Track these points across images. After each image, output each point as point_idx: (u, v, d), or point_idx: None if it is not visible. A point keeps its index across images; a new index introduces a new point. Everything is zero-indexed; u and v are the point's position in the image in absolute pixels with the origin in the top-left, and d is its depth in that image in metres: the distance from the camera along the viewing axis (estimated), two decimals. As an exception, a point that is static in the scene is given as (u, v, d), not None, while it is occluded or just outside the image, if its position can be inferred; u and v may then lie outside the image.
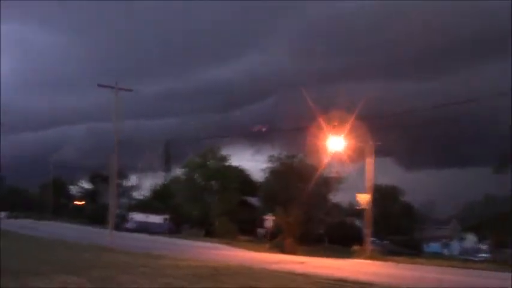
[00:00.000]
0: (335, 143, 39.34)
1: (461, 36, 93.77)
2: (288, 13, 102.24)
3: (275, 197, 48.41)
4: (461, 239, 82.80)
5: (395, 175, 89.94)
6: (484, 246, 65.69)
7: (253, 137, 66.40)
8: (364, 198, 41.22)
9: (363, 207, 41.13)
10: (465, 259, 52.34)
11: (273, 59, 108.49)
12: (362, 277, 16.99)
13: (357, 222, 58.08)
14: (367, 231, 40.71)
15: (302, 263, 23.72)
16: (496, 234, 53.89)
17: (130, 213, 65.35)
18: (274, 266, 19.35)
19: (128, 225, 59.81)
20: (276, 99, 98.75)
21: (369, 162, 40.60)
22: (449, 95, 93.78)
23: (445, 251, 74.57)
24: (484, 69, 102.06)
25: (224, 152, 62.39)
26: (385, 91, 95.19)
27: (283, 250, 40.25)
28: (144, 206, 68.46)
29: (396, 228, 60.93)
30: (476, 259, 52.58)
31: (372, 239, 43.49)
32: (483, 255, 58.25)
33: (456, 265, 34.49)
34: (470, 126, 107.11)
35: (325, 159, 44.85)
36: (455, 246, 78.92)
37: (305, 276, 15.77)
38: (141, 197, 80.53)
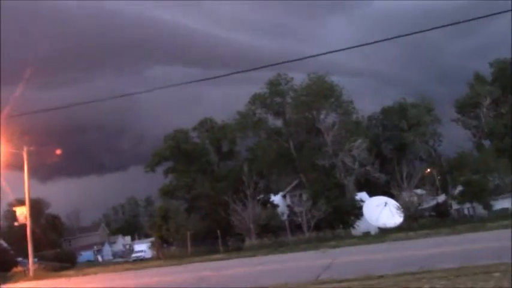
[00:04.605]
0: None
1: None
2: None
3: None
4: (112, 242, 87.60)
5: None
6: (140, 246, 65.34)
7: None
8: (22, 212, 36.29)
9: (22, 222, 37.68)
10: (126, 261, 57.07)
11: None
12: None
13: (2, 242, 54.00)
14: (29, 248, 35.86)
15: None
16: (158, 232, 49.63)
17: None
18: None
19: None
20: None
21: (26, 170, 36.67)
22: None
23: (99, 257, 76.15)
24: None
25: None
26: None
27: None
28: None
29: (43, 243, 53.33)
30: (131, 260, 57.95)
31: (19, 258, 42.07)
32: (138, 254, 60.59)
33: (130, 268, 33.98)
34: (101, 135, 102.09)
35: None
36: (107, 251, 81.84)
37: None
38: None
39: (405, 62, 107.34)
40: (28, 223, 36.54)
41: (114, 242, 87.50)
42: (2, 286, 28.20)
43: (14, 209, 38.75)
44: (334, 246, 28.14)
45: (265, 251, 32.36)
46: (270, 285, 12.49)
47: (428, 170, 56.21)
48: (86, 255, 72.59)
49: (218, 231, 44.02)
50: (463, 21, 16.57)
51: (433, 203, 50.22)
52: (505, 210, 44.82)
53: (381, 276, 11.63)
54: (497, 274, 9.96)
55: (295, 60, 22.86)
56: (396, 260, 15.90)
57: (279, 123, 55.93)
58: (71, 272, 35.32)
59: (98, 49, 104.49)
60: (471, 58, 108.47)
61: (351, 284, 11.03)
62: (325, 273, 14.49)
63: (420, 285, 9.74)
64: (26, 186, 36.85)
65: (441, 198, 52.30)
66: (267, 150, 54.25)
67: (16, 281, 31.26)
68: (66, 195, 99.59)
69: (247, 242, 43.38)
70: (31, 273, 34.62)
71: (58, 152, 39.89)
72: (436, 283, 9.80)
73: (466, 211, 48.74)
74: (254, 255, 29.39)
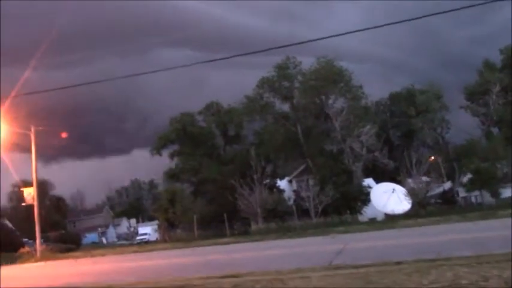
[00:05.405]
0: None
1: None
2: None
3: None
4: (116, 225, 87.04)
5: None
6: (145, 229, 65.60)
7: None
8: (30, 193, 36.07)
9: (29, 203, 37.05)
10: (130, 244, 57.29)
11: None
12: (59, 282, 14.20)
13: (7, 223, 54.41)
14: (36, 229, 35.65)
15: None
16: (165, 215, 49.40)
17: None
18: None
19: None
20: None
21: (34, 151, 36.05)
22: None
23: (103, 239, 76.63)
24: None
25: None
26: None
27: None
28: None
29: (47, 224, 54.80)
30: (135, 242, 57.82)
31: (24, 239, 42.91)
32: (143, 237, 60.51)
33: (138, 250, 33.60)
34: (105, 117, 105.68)
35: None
36: (111, 233, 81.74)
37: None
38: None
39: (414, 48, 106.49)
40: (36, 204, 36.36)
41: (118, 225, 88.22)
42: (11, 266, 28.10)
43: (22, 189, 38.31)
44: (342, 232, 27.97)
45: (272, 235, 32.23)
46: (283, 269, 12.28)
47: (433, 157, 56.01)
48: (90, 237, 73.50)
49: (225, 215, 43.96)
50: (470, 6, 16.23)
51: (439, 190, 50.04)
52: (512, 198, 44.70)
53: (399, 263, 11.37)
54: (521, 262, 9.70)
55: (302, 42, 22.36)
56: (410, 247, 15.64)
57: (286, 107, 55.78)
58: (77, 253, 35.50)
59: (104, 31, 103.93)
60: (480, 45, 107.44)
61: (369, 270, 10.79)
62: (338, 258, 14.27)
63: (442, 272, 9.46)
64: (34, 166, 36.62)
65: (447, 185, 52.12)
66: (274, 134, 54.10)
67: (24, 262, 31.07)
68: (70, 177, 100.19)
69: (254, 227, 43.39)
70: (38, 254, 34.50)
71: (64, 135, 39.80)
72: (458, 270, 9.56)
73: (473, 199, 48.57)
74: (262, 240, 29.27)
